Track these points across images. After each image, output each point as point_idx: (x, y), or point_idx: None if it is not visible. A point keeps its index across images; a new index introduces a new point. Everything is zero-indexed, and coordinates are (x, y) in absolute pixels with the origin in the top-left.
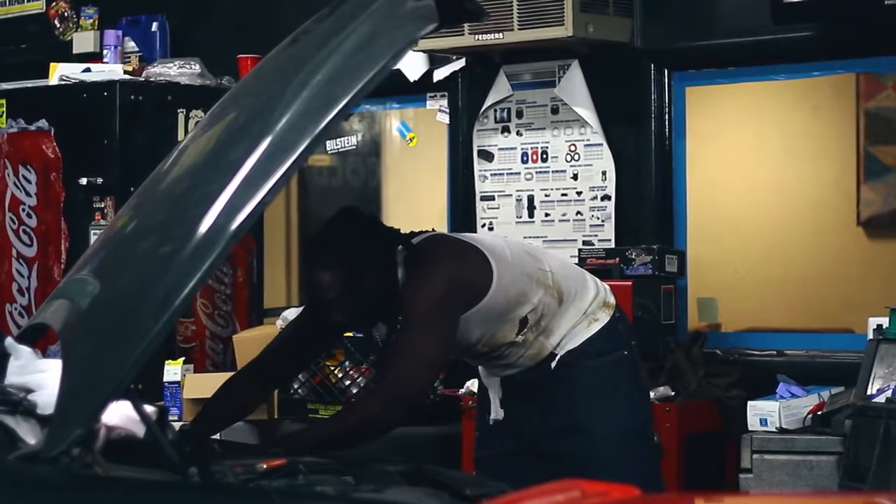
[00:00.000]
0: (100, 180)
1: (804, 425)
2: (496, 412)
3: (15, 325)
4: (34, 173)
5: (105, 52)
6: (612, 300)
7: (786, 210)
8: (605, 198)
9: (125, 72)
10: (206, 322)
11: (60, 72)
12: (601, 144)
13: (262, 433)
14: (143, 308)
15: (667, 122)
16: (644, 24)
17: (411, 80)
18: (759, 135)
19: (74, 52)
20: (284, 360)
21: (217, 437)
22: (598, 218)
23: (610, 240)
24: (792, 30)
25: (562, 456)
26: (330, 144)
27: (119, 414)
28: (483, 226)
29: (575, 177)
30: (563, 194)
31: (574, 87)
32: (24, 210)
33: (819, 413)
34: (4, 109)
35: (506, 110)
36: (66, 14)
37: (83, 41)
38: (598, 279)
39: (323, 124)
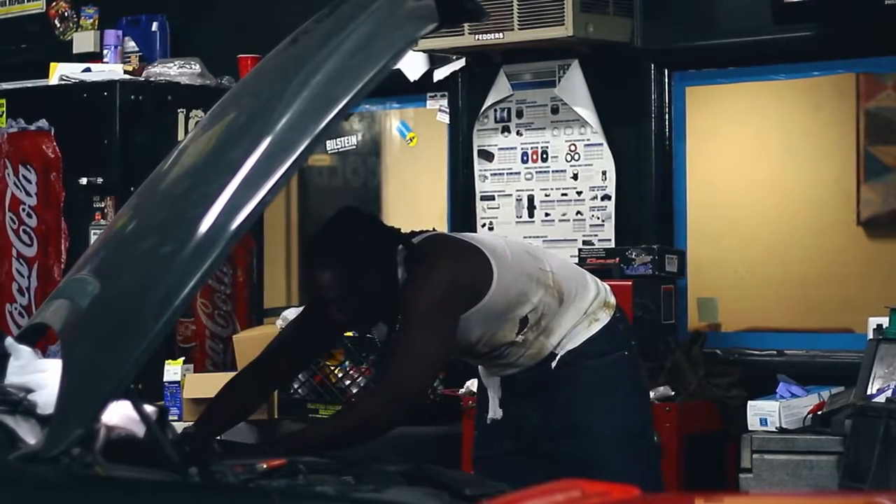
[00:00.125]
0: (100, 180)
1: (804, 425)
2: (494, 412)
3: (15, 325)
4: (34, 173)
5: (105, 52)
6: (612, 300)
7: (786, 210)
8: (605, 198)
9: (125, 72)
10: (206, 322)
11: (60, 72)
12: (601, 144)
13: (261, 433)
14: (143, 308)
15: (667, 122)
16: (644, 24)
17: (411, 79)
18: (759, 135)
19: (74, 51)
20: (285, 359)
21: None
22: (598, 218)
23: (610, 240)
24: (792, 30)
25: (562, 456)
26: (330, 144)
27: (119, 414)
28: (483, 226)
29: (575, 177)
30: (563, 194)
31: (574, 87)
32: (24, 210)
33: (819, 413)
34: (4, 109)
35: (506, 110)
36: (66, 14)
37: (83, 41)
38: (598, 279)
39: (323, 124)
